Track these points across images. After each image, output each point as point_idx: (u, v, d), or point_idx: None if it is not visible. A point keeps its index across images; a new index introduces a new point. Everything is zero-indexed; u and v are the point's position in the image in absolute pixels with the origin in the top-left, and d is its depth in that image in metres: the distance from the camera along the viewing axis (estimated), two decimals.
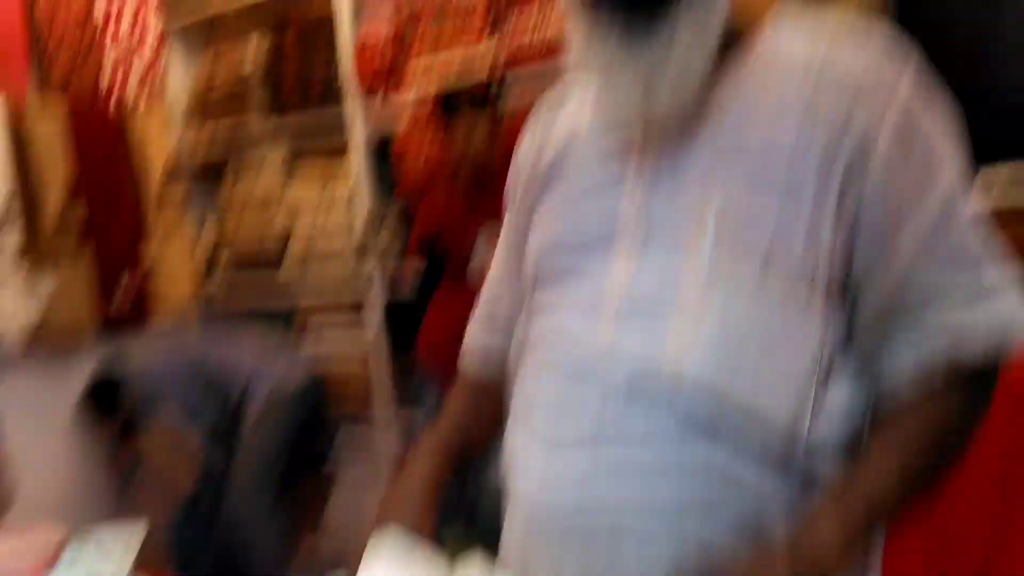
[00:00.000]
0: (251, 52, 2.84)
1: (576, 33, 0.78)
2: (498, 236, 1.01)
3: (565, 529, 0.76)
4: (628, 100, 0.77)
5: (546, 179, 0.89)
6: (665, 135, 0.79)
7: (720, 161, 0.76)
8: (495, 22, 2.33)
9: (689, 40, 0.74)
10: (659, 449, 0.72)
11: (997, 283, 0.73)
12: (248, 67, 2.83)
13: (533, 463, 0.80)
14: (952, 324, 0.72)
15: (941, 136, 0.75)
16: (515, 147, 0.97)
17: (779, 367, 0.73)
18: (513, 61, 2.27)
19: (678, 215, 0.76)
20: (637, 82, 0.75)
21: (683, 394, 0.72)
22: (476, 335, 1.04)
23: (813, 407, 0.73)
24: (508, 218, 0.99)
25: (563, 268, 0.83)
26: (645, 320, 0.75)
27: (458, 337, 2.01)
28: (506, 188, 0.99)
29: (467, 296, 2.06)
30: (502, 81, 2.16)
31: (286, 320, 2.93)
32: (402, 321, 2.60)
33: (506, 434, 0.88)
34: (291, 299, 2.91)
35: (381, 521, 0.84)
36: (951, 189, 0.73)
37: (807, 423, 0.72)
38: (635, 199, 0.79)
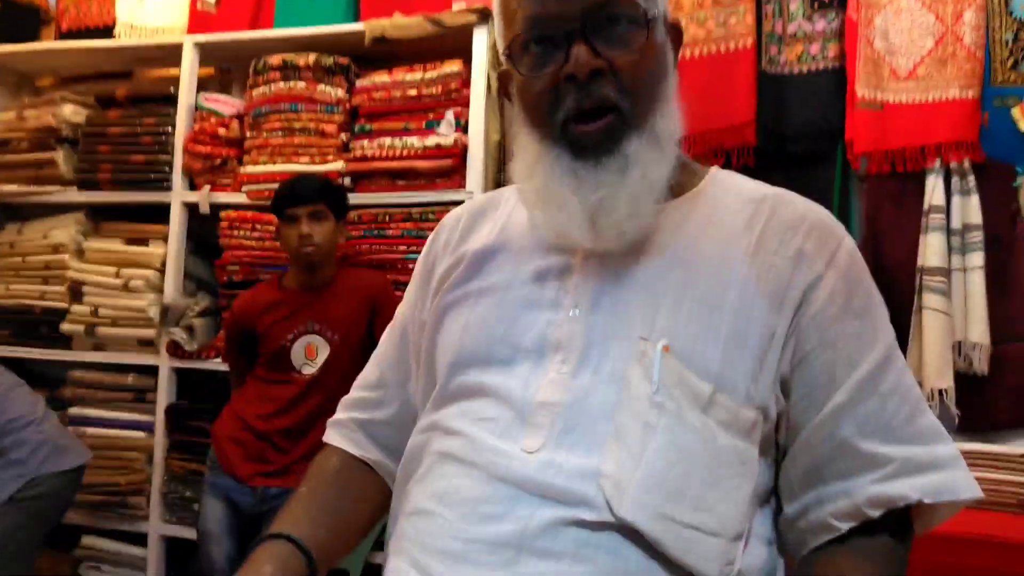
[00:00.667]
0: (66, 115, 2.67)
1: (523, 150, 0.79)
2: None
3: None
4: (572, 227, 0.75)
5: (469, 272, 0.86)
6: (607, 262, 0.77)
7: (665, 294, 0.75)
8: (345, 146, 2.41)
9: (639, 176, 0.74)
10: (591, 565, 0.68)
11: (932, 452, 0.74)
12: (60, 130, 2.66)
13: (435, 568, 0.72)
14: (887, 494, 0.72)
15: (877, 297, 0.78)
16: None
17: (721, 495, 0.71)
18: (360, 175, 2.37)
19: (619, 345, 0.74)
20: (584, 213, 0.74)
21: (619, 523, 0.69)
22: (354, 410, 0.96)
23: (747, 536, 0.72)
24: (409, 302, 0.95)
25: (487, 375, 0.79)
26: (579, 443, 0.71)
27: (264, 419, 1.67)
28: (413, 274, 0.96)
29: (270, 391, 2.05)
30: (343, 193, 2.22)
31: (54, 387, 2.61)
32: (189, 416, 2.45)
33: (396, 532, 0.81)
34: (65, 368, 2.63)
35: None
36: (888, 348, 0.76)
37: (742, 549, 0.71)
38: (573, 321, 0.76)
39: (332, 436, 0.96)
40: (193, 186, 2.57)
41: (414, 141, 2.31)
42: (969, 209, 1.98)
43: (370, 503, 0.93)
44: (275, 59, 2.46)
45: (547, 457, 0.71)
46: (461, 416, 0.78)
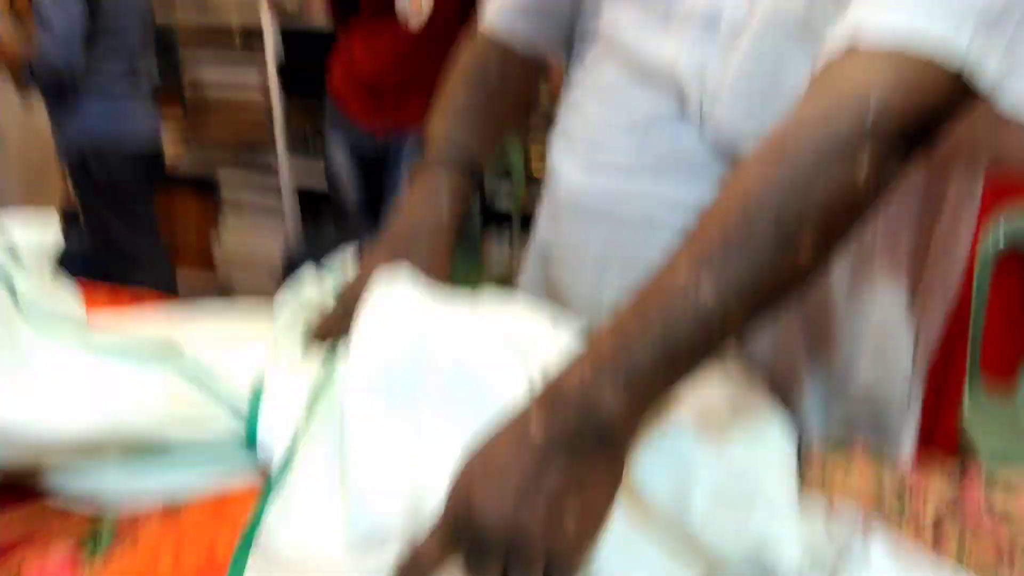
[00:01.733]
0: None
1: None
2: None
3: (599, 211, 0.75)
4: None
5: None
6: None
7: None
8: None
9: None
10: (702, 153, 0.69)
11: None
12: None
13: (580, 147, 0.78)
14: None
15: None
16: None
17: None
18: None
19: None
20: None
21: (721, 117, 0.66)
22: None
23: None
24: None
25: None
26: (705, 38, 0.67)
27: (379, 73, 1.78)
28: None
29: (390, 31, 2.06)
30: None
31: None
32: (304, 54, 2.52)
33: (560, 116, 0.82)
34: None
35: (390, 256, 0.74)
36: None
37: None
38: None
39: (487, 25, 0.85)
40: None
41: None
42: None
43: (523, 97, 0.90)
44: None
45: (677, 50, 0.68)
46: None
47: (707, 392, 0.62)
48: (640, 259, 0.65)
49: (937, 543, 0.56)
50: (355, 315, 0.67)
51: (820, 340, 0.74)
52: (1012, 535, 0.58)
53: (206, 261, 2.90)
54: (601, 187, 0.75)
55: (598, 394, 0.47)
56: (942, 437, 1.23)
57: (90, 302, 0.77)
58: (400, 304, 0.66)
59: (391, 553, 0.49)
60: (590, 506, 0.47)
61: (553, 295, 0.83)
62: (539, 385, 0.49)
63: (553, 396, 0.48)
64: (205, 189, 2.85)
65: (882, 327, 0.73)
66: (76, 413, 0.58)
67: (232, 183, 2.80)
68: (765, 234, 0.48)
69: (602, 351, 0.48)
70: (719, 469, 0.51)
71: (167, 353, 0.68)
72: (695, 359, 0.49)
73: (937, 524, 0.58)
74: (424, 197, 0.78)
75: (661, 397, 0.49)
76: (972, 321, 1.39)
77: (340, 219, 2.35)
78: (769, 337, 0.73)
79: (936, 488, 0.63)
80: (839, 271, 0.71)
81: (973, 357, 1.39)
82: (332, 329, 0.72)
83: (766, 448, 0.61)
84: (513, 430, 0.48)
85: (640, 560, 0.48)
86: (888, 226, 0.71)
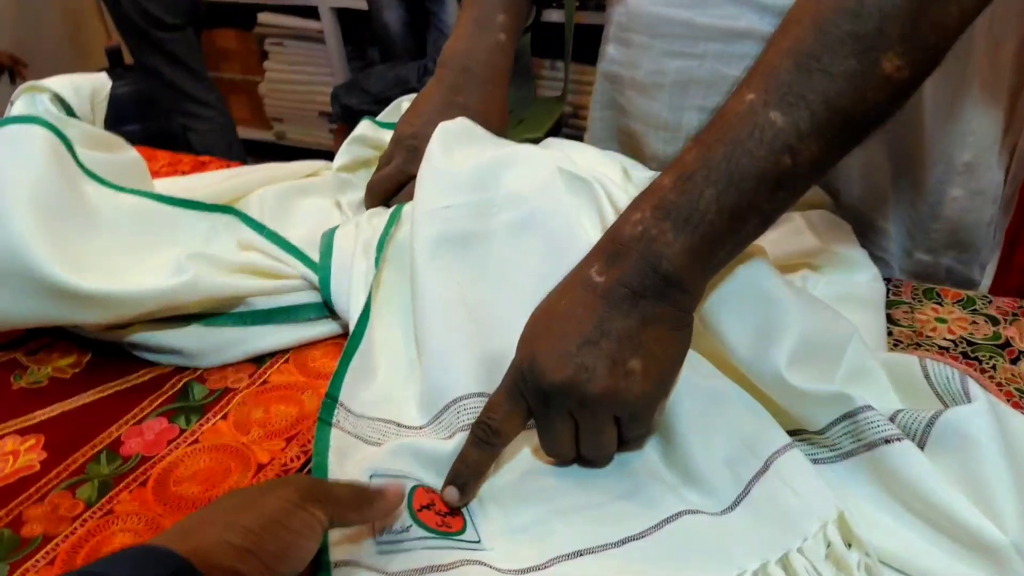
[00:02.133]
0: None
1: None
2: None
3: (677, 24, 0.68)
4: None
5: None
6: None
7: None
8: None
9: None
10: None
11: None
12: None
13: None
14: None
15: None
16: None
17: None
18: None
19: None
20: None
21: None
22: None
23: None
24: None
25: None
26: None
27: None
28: None
29: None
30: None
31: None
32: None
33: None
34: None
35: (444, 101, 0.70)
36: None
37: None
38: None
39: None
40: None
41: None
42: None
43: None
44: None
45: None
46: None
47: (791, 240, 0.59)
48: (724, 77, 0.65)
49: None
50: (411, 168, 0.65)
51: (908, 164, 0.68)
52: None
53: (253, 100, 2.86)
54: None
55: (661, 239, 0.43)
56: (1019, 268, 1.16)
57: (151, 169, 0.75)
58: (463, 152, 0.63)
59: (463, 414, 0.49)
60: (656, 355, 0.44)
61: (625, 122, 0.78)
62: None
63: (614, 243, 0.45)
64: (246, 24, 2.75)
65: (975, 146, 0.67)
66: (150, 268, 0.58)
67: (271, 15, 2.69)
68: (841, 49, 0.41)
69: (664, 194, 0.44)
70: (807, 315, 0.48)
71: (234, 211, 0.67)
72: (765, 200, 0.43)
73: None
74: (477, 18, 0.72)
75: (728, 244, 0.45)
76: None
77: (383, 41, 2.26)
78: (854, 164, 0.68)
79: None
80: (932, 86, 0.64)
81: None
82: (389, 182, 0.70)
83: (855, 293, 0.58)
84: (575, 280, 0.46)
85: (718, 411, 0.47)
86: (989, 33, 0.63)
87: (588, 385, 0.43)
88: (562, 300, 0.46)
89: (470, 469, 0.45)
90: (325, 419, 0.50)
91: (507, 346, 0.48)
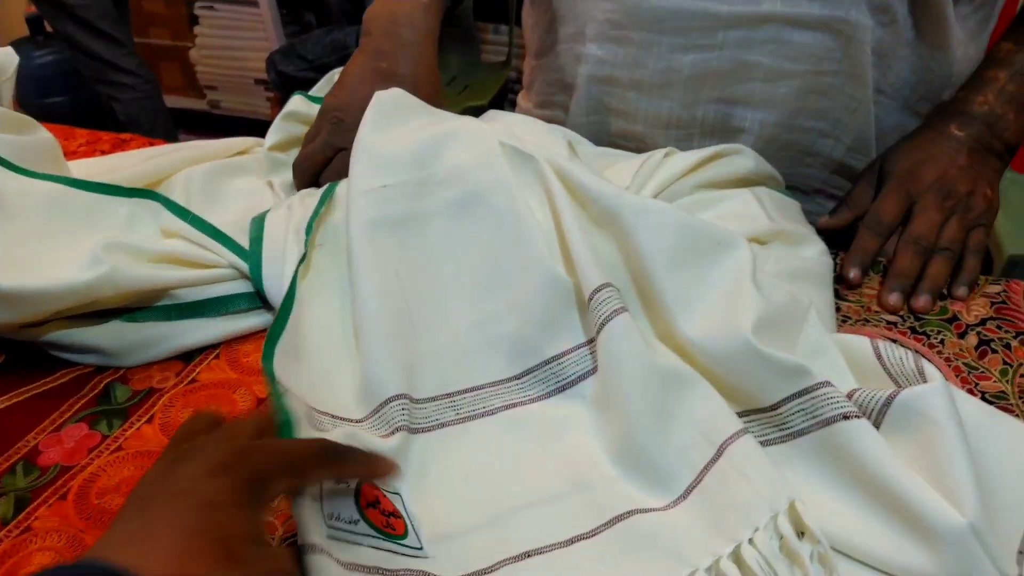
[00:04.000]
0: None
1: None
2: None
3: (688, 15, 0.65)
4: None
5: None
6: None
7: None
8: None
9: None
10: None
11: None
12: None
13: None
14: None
15: None
16: None
17: None
18: None
19: None
20: None
21: None
22: None
23: None
24: None
25: None
26: None
27: None
28: None
29: None
30: None
31: None
32: None
33: None
34: None
35: (373, 71, 0.66)
36: None
37: None
38: None
39: None
40: None
41: None
42: None
43: None
44: None
45: None
46: None
47: (740, 215, 0.58)
48: (745, 64, 0.65)
49: (981, 357, 0.54)
50: (337, 141, 0.62)
51: None
52: None
53: (185, 67, 2.74)
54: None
55: (1003, 115, 0.65)
56: None
57: (67, 149, 0.70)
58: (399, 127, 0.60)
59: (398, 414, 0.47)
60: (994, 188, 0.64)
61: (622, 126, 0.74)
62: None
63: (965, 115, 0.66)
64: None
65: None
66: (64, 259, 0.54)
67: None
68: None
69: (1003, 85, 0.65)
70: (767, 292, 0.47)
71: (156, 195, 0.63)
72: None
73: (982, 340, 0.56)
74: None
75: None
76: None
77: (319, 5, 2.17)
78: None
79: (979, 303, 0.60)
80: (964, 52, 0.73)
81: None
82: (315, 158, 0.66)
83: (803, 268, 0.57)
84: (936, 132, 0.65)
85: (673, 396, 0.46)
86: None
87: (964, 188, 0.62)
88: (929, 147, 0.65)
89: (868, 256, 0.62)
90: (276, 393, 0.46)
91: (436, 348, 0.46)
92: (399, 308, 0.51)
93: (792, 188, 0.71)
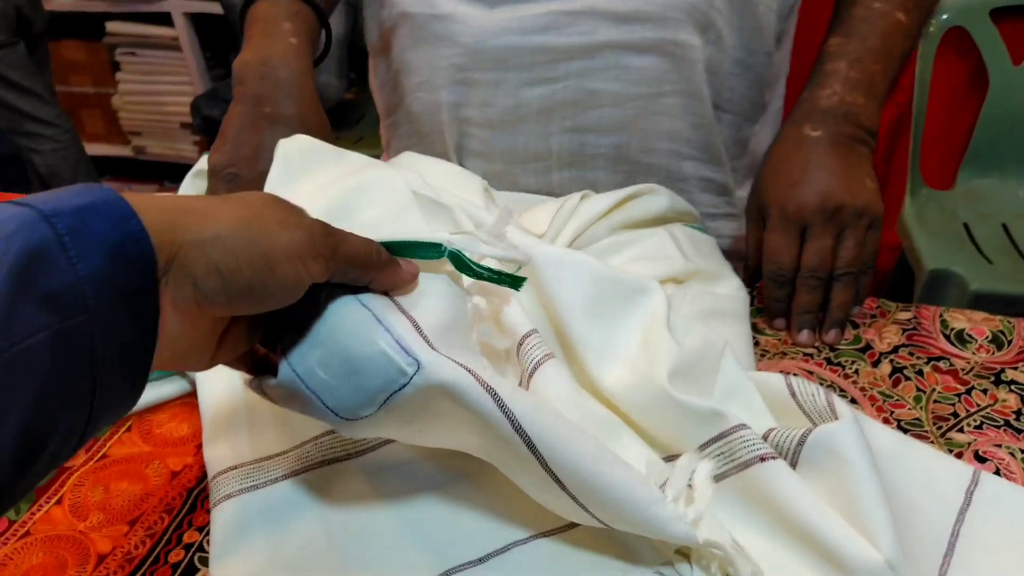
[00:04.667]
0: None
1: None
2: None
3: (529, 50, 0.68)
4: None
5: None
6: None
7: None
8: None
9: None
10: None
11: None
12: None
13: None
14: None
15: None
16: None
17: None
18: None
19: None
20: None
21: None
22: None
23: None
24: None
25: None
26: None
27: None
28: None
29: None
30: None
31: None
32: None
33: None
34: None
35: (256, 117, 0.64)
36: None
37: None
38: None
39: None
40: None
41: None
42: None
43: None
44: None
45: None
46: None
47: (656, 256, 0.59)
48: (589, 92, 0.68)
49: (895, 385, 0.56)
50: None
51: None
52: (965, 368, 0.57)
53: (107, 113, 2.68)
54: (527, 21, 0.66)
55: (854, 103, 0.64)
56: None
57: None
58: (309, 181, 0.58)
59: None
60: (872, 177, 0.63)
61: (483, 166, 0.74)
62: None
63: (816, 113, 0.65)
64: (94, 34, 2.57)
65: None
66: None
67: (120, 24, 2.53)
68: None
69: (847, 76, 0.65)
70: (682, 335, 0.48)
71: None
72: (901, 65, 0.67)
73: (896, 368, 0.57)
74: (263, 31, 0.66)
75: (885, 100, 0.66)
76: (915, 108, 1.35)
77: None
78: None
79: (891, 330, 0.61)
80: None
81: (915, 147, 1.37)
82: None
83: (719, 306, 0.58)
84: (794, 141, 0.65)
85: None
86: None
87: (848, 200, 0.60)
88: (792, 156, 0.64)
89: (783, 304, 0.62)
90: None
91: None
92: None
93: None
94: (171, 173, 2.70)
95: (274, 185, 0.57)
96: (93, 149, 2.40)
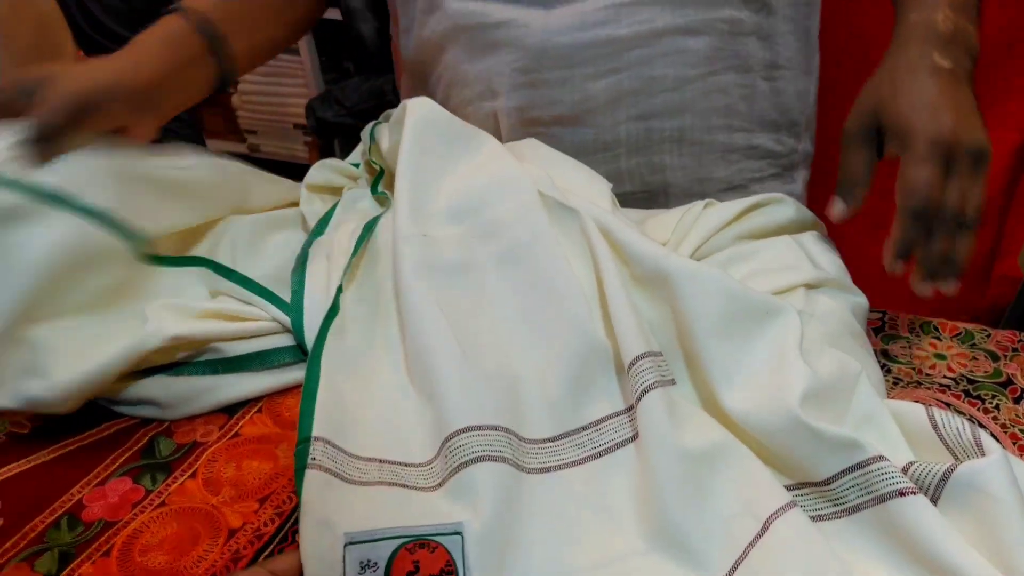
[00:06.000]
0: None
1: None
2: None
3: (594, 43, 0.70)
4: None
5: None
6: None
7: None
8: None
9: None
10: None
11: None
12: None
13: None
14: None
15: None
16: None
17: None
18: None
19: None
20: None
21: None
22: None
23: None
24: None
25: None
26: None
27: None
28: None
29: None
30: None
31: None
32: None
33: None
34: None
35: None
36: None
37: None
38: None
39: None
40: None
41: None
42: None
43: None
44: None
45: None
46: None
47: (785, 262, 0.58)
48: (652, 78, 0.70)
49: None
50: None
51: None
52: None
53: (227, 112, 2.81)
54: (588, 16, 0.69)
55: (965, 30, 0.59)
56: (1000, 279, 1.16)
57: None
58: (439, 162, 0.62)
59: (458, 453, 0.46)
60: (980, 112, 0.56)
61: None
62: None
63: (940, 39, 0.58)
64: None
65: None
66: (118, 331, 0.55)
67: None
68: None
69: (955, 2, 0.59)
70: (814, 359, 0.47)
71: (206, 261, 0.64)
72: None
73: None
74: (143, 42, 0.68)
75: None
76: None
77: (358, 53, 2.20)
78: None
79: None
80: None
81: None
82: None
83: (848, 324, 0.56)
84: (928, 70, 0.57)
85: (713, 472, 0.45)
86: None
87: (961, 133, 0.53)
88: (929, 84, 0.56)
89: (860, 181, 0.57)
90: (300, 465, 0.46)
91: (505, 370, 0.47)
92: (454, 349, 0.50)
93: (739, 188, 0.77)
94: (283, 170, 2.81)
95: (410, 162, 0.60)
96: (212, 145, 2.52)
